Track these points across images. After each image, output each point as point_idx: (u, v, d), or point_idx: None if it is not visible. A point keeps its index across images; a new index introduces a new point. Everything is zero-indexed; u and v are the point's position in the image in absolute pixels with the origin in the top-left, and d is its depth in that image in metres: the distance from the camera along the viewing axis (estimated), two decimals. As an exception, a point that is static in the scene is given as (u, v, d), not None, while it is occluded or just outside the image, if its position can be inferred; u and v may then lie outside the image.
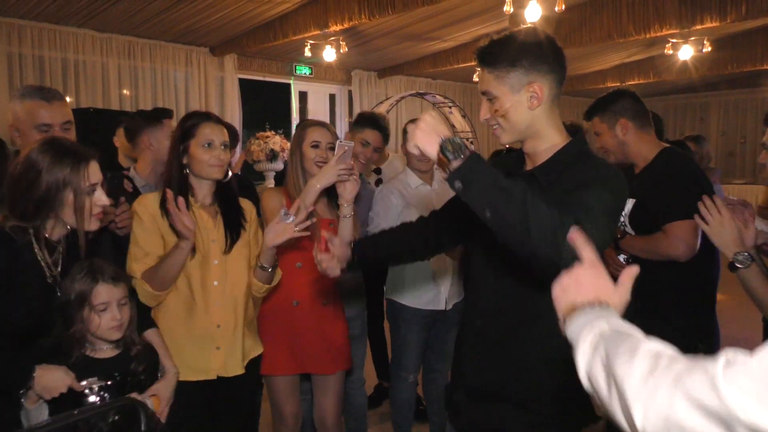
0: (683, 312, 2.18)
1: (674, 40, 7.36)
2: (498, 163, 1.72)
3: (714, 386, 0.64)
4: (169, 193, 1.86)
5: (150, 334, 1.88)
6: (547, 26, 5.51)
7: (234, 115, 7.68)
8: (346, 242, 1.77)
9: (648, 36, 6.57)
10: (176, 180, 1.99)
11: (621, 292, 0.96)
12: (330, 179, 2.13)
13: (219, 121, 2.08)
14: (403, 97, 8.30)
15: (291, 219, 1.94)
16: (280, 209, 1.99)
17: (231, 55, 7.64)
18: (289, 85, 8.76)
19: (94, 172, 1.66)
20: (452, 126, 7.91)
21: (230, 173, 2.08)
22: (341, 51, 7.00)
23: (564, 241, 1.10)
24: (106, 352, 1.72)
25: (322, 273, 1.72)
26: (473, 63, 1.50)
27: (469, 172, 1.20)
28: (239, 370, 2.05)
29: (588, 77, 9.94)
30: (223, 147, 2.01)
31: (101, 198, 1.67)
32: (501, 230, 1.22)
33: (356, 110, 8.83)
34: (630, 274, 0.97)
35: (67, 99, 5.09)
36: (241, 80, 7.89)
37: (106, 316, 1.68)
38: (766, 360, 0.63)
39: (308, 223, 1.96)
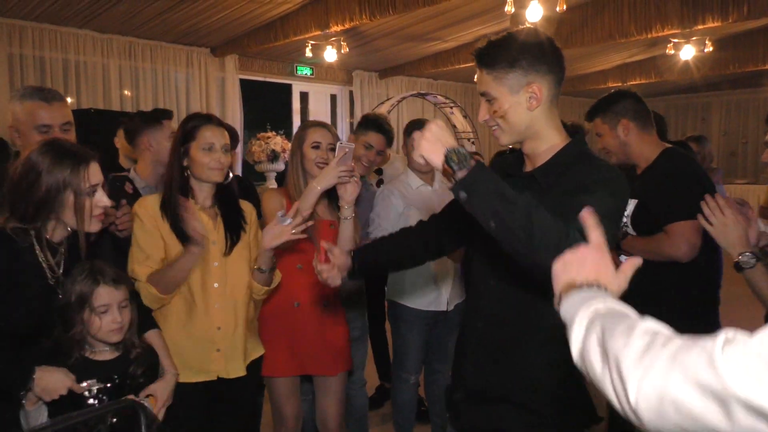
0: (685, 313, 2.16)
1: (676, 40, 7.34)
2: (498, 164, 1.72)
3: (712, 363, 0.64)
4: (182, 200, 1.86)
5: (151, 335, 1.87)
6: (549, 26, 5.50)
7: (235, 115, 7.67)
8: (345, 250, 1.76)
9: (649, 36, 6.56)
10: (177, 182, 1.99)
11: (621, 279, 0.96)
12: (330, 181, 2.12)
13: (220, 123, 2.07)
14: (404, 98, 8.27)
15: (288, 221, 1.93)
16: (279, 211, 1.99)
17: (232, 56, 7.63)
18: (290, 85, 8.75)
19: (94, 173, 1.65)
20: (453, 126, 7.90)
21: (230, 175, 2.08)
22: (342, 51, 6.98)
23: None
24: (105, 354, 1.71)
25: (323, 283, 1.70)
26: (474, 63, 1.49)
27: (473, 183, 1.20)
28: (240, 372, 2.04)
29: (589, 77, 9.92)
30: (223, 150, 2.01)
31: (102, 199, 1.67)
32: (505, 240, 1.22)
33: (357, 111, 8.83)
34: (632, 263, 0.98)
35: (68, 100, 5.07)
36: (242, 81, 7.88)
37: (106, 318, 1.67)
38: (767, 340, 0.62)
39: (305, 225, 1.95)
